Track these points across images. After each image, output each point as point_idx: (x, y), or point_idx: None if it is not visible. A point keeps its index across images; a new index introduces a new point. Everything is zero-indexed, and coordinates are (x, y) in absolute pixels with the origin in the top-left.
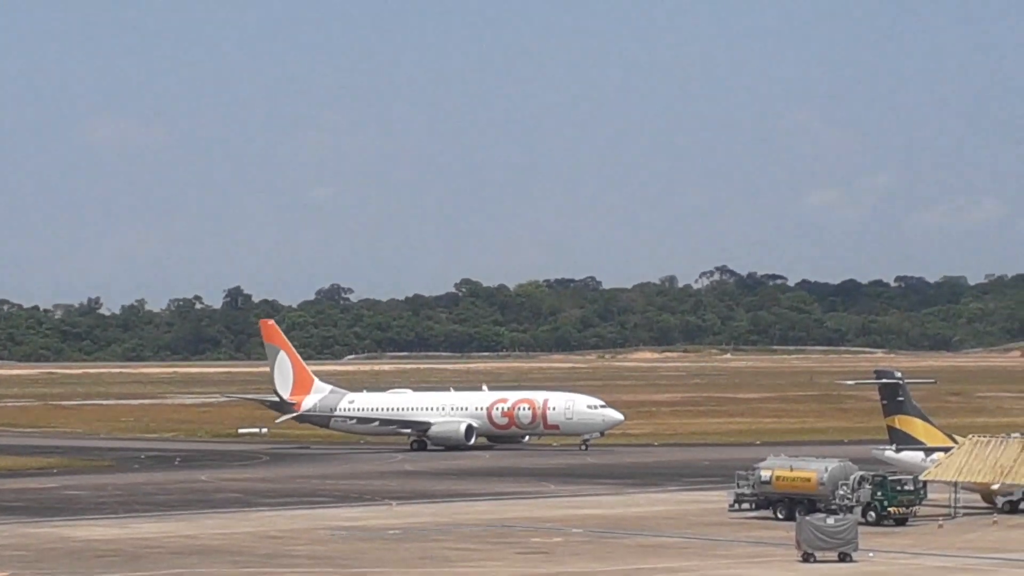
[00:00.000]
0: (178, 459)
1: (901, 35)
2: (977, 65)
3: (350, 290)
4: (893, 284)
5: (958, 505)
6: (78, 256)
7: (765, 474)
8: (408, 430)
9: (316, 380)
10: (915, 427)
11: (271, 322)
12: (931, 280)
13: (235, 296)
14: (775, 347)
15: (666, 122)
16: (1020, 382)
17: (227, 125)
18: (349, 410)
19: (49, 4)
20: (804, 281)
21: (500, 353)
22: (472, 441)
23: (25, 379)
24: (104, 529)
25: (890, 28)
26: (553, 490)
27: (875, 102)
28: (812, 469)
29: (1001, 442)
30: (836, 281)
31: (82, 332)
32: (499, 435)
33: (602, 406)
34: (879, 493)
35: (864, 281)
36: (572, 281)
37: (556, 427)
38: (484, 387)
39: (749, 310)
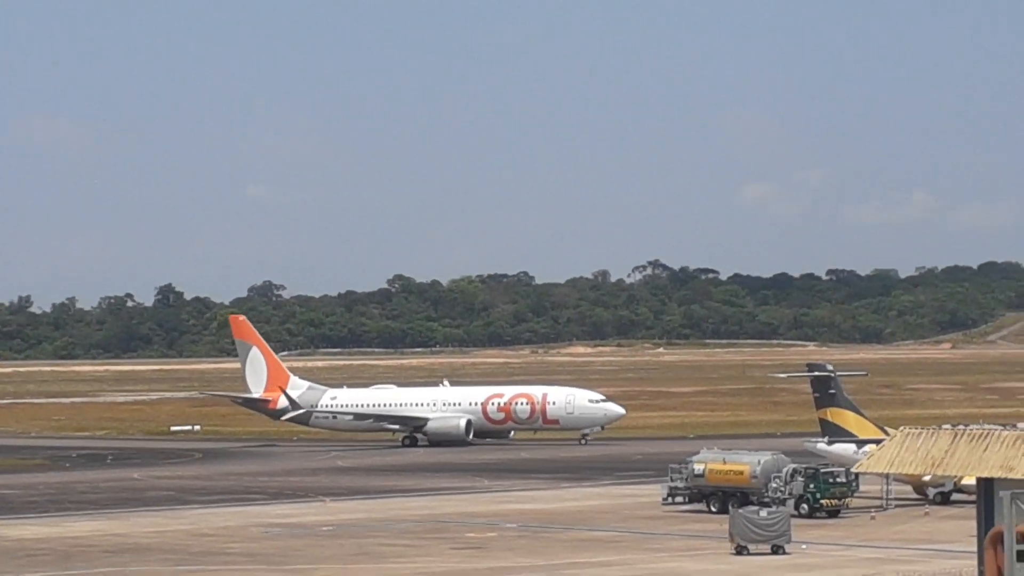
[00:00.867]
0: (110, 457)
1: (833, 30)
2: (909, 60)
3: (282, 287)
4: (825, 277)
5: (890, 497)
6: (8, 254)
7: (698, 467)
8: (397, 426)
9: (293, 377)
10: (847, 419)
11: (242, 317)
12: (862, 273)
13: (167, 293)
14: (708, 341)
15: (598, 117)
16: (951, 374)
17: (158, 123)
18: (336, 406)
19: None
20: (736, 275)
21: (434, 349)
22: (471, 437)
23: None
24: (36, 528)
25: (822, 23)
26: (487, 485)
27: (807, 97)
28: (745, 462)
29: (932, 434)
30: (768, 275)
31: (13, 330)
32: (493, 430)
33: (603, 400)
34: (812, 485)
35: (796, 274)
36: (505, 276)
37: (556, 422)
38: (445, 382)
39: (682, 304)
